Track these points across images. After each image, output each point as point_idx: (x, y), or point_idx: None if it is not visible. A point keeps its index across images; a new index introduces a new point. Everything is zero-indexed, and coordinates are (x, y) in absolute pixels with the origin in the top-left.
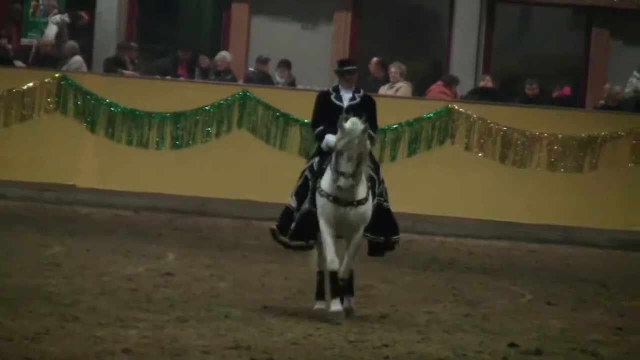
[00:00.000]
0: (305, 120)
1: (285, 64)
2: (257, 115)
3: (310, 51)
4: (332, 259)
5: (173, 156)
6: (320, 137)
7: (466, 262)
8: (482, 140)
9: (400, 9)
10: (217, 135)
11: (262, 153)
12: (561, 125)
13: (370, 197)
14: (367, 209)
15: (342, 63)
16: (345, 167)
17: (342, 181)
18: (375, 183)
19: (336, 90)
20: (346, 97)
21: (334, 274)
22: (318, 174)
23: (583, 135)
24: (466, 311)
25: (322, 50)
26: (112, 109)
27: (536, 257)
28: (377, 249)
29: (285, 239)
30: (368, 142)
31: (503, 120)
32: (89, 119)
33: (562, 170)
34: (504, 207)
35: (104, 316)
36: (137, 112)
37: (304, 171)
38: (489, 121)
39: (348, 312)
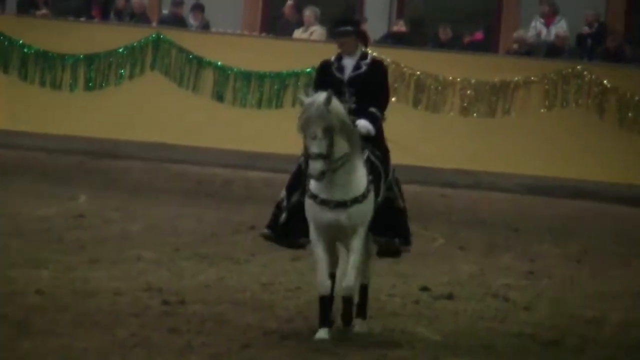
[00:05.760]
0: (219, 63)
1: (198, 8)
2: (171, 57)
3: None
4: (322, 282)
5: (86, 98)
6: None
7: None
8: (395, 85)
9: None
10: (130, 77)
11: (175, 96)
12: (474, 70)
13: (372, 193)
14: (366, 208)
15: (335, 24)
16: (312, 146)
17: (310, 166)
18: (381, 176)
19: (339, 59)
20: (349, 66)
21: (324, 300)
22: None
23: (496, 80)
24: None
25: None
26: (25, 50)
27: (448, 201)
28: (388, 250)
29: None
30: (341, 114)
31: (416, 65)
32: (1, 60)
33: (474, 115)
34: (416, 151)
35: (16, 257)
36: (50, 54)
37: (300, 157)
38: (402, 65)
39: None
